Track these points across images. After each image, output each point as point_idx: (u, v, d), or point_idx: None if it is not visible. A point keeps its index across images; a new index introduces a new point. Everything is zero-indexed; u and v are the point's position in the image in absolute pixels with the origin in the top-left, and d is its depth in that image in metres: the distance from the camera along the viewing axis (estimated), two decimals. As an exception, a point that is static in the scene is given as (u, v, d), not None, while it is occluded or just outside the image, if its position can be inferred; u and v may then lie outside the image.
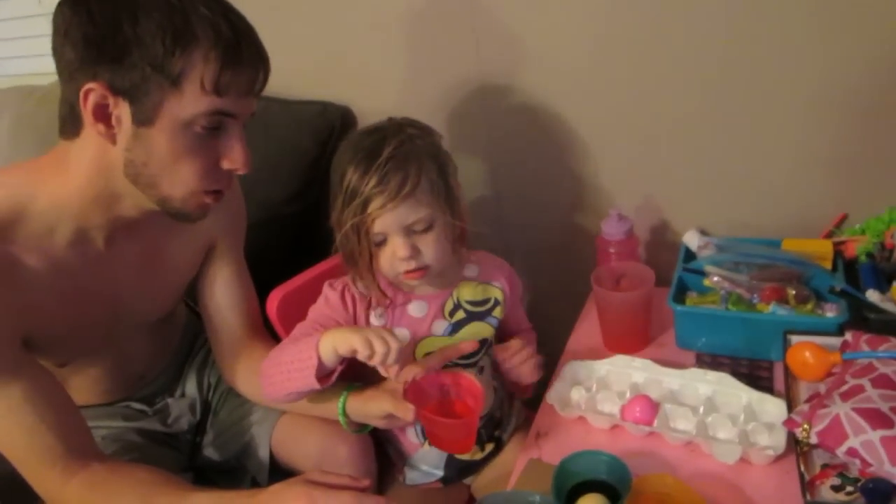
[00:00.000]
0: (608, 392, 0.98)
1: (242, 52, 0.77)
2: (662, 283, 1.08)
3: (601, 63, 1.17)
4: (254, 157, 1.29)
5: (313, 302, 1.02)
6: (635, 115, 1.18)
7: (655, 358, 1.02)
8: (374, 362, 0.82)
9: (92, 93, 0.75)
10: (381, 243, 0.90)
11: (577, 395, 0.99)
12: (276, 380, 0.90)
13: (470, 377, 0.89)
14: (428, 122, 1.35)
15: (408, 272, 0.91)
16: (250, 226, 1.21)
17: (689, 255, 1.17)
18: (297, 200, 1.44)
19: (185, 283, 1.05)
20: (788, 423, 0.82)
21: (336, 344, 0.83)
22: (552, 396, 0.98)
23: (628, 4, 1.11)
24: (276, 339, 1.09)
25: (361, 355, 0.82)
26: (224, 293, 1.06)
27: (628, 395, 0.96)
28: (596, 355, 1.06)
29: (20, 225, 0.82)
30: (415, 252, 0.89)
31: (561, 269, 1.34)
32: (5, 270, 0.81)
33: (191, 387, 1.18)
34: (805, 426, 0.79)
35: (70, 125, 0.80)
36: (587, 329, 1.17)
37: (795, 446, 0.81)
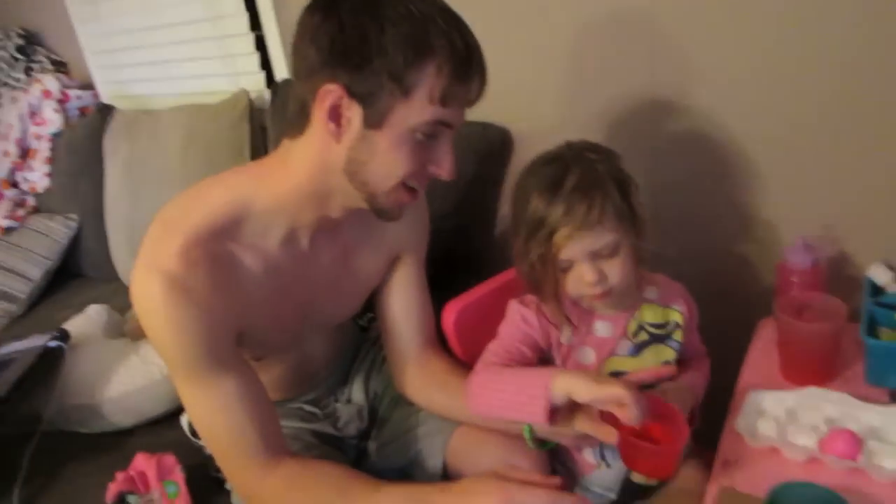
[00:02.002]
0: (800, 424, 0.95)
1: (472, 66, 0.81)
2: None
3: (779, 85, 1.15)
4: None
5: (489, 316, 1.04)
6: (813, 137, 1.16)
7: (844, 393, 0.98)
8: (626, 419, 0.82)
9: (330, 94, 0.79)
10: (568, 268, 0.92)
11: (765, 424, 0.96)
12: (490, 403, 0.91)
13: (671, 404, 0.88)
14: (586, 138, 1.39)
15: (593, 295, 0.92)
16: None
17: (874, 290, 1.12)
18: (452, 217, 1.48)
19: (370, 290, 1.10)
20: None
21: (572, 389, 0.84)
22: (741, 425, 0.96)
23: (807, 24, 1.10)
24: (448, 352, 1.13)
25: (607, 407, 0.83)
26: (404, 304, 1.09)
27: (823, 428, 0.93)
28: (773, 386, 1.02)
29: (243, 224, 0.88)
30: (602, 276, 0.90)
31: (727, 296, 1.31)
32: (229, 268, 0.87)
33: (357, 393, 1.22)
34: None
35: (297, 122, 0.85)
36: (761, 359, 1.13)
37: None
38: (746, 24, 1.15)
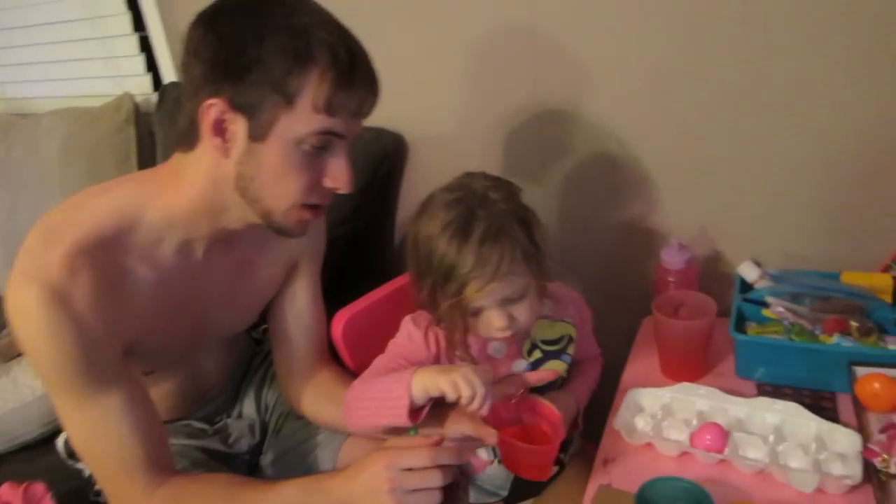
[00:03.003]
0: (674, 419, 0.99)
1: (356, 74, 0.80)
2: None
3: (660, 92, 1.20)
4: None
5: (378, 324, 1.03)
6: (693, 143, 1.21)
7: (715, 387, 1.03)
8: (462, 405, 0.83)
9: (213, 108, 0.78)
10: (477, 313, 0.91)
11: (642, 421, 1.00)
12: (361, 414, 0.90)
13: (549, 404, 0.90)
14: (481, 151, 1.40)
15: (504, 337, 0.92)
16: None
17: (744, 287, 1.18)
18: (346, 224, 1.46)
19: (268, 299, 1.07)
20: (867, 452, 0.83)
21: (426, 385, 0.84)
22: (618, 423, 0.99)
23: (688, 36, 1.15)
24: (339, 362, 1.11)
25: (449, 398, 0.82)
26: (297, 314, 1.07)
27: (695, 422, 0.97)
28: (653, 383, 1.07)
29: (132, 235, 0.85)
30: (511, 321, 0.90)
31: (614, 296, 1.35)
32: (116, 281, 0.83)
33: (249, 407, 1.19)
34: (884, 456, 0.80)
35: (188, 137, 0.83)
36: (642, 357, 1.17)
37: (874, 476, 0.82)
38: (627, 34, 1.19)
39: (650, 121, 1.23)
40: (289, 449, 1.13)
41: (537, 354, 1.00)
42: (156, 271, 0.87)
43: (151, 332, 0.89)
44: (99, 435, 0.84)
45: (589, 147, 1.29)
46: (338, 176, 0.85)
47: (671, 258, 1.16)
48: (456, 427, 0.90)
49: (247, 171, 0.82)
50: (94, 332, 0.80)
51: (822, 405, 1.00)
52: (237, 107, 0.78)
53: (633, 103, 1.23)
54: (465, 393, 0.80)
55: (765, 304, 1.11)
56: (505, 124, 1.36)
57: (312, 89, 0.78)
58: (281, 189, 0.83)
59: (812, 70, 1.09)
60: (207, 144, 0.81)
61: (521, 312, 0.90)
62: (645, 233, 1.31)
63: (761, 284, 1.15)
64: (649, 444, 0.96)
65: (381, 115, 1.45)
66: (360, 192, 1.45)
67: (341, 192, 0.87)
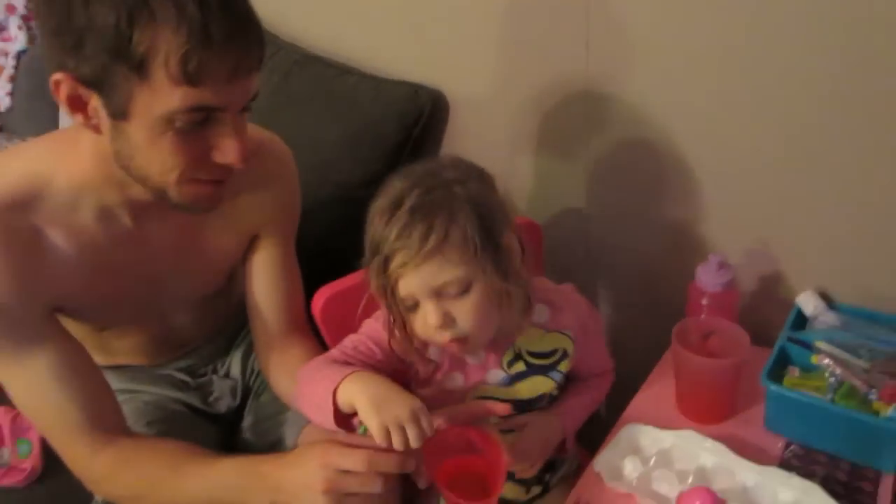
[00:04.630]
0: (669, 470, 0.84)
1: (211, 30, 0.67)
2: (762, 343, 0.93)
3: (722, 83, 1.00)
4: (336, 133, 1.19)
5: (362, 305, 0.94)
6: (757, 144, 1.00)
7: (736, 436, 0.88)
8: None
9: (62, 84, 0.70)
10: (413, 307, 0.79)
11: (630, 465, 0.86)
12: (303, 403, 0.83)
13: (500, 446, 0.76)
14: (524, 120, 1.25)
15: (444, 342, 0.79)
16: (322, 204, 1.14)
17: (801, 321, 0.99)
18: (374, 184, 1.34)
19: (228, 266, 1.01)
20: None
21: (353, 401, 0.74)
22: (601, 463, 0.86)
23: (768, 27, 0.93)
24: (318, 337, 1.04)
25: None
26: (264, 284, 1.00)
27: (691, 479, 0.82)
28: (664, 419, 0.92)
29: (43, 199, 0.81)
30: (447, 320, 0.76)
31: (649, 304, 1.19)
32: (29, 240, 0.80)
33: (235, 368, 1.16)
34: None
35: None
36: (661, 386, 1.01)
37: None
38: (699, 12, 0.98)
39: (711, 113, 1.02)
40: (265, 417, 1.10)
41: (520, 367, 0.87)
42: (75, 235, 0.82)
43: (86, 294, 0.86)
44: (34, 396, 0.83)
45: (637, 133, 1.11)
46: (227, 150, 0.74)
47: (708, 277, 0.98)
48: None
49: (122, 150, 0.74)
50: (10, 293, 0.78)
51: (858, 486, 0.82)
52: (84, 82, 0.69)
53: (695, 91, 1.02)
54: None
55: (816, 350, 0.91)
56: (550, 97, 1.19)
57: (161, 55, 0.66)
58: (162, 167, 0.74)
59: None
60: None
61: (462, 313, 0.76)
62: (691, 243, 1.12)
63: (821, 323, 0.95)
64: (631, 496, 0.83)
65: (419, 71, 1.35)
66: (393, 151, 1.34)
67: (234, 166, 0.76)
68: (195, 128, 0.72)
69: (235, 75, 0.70)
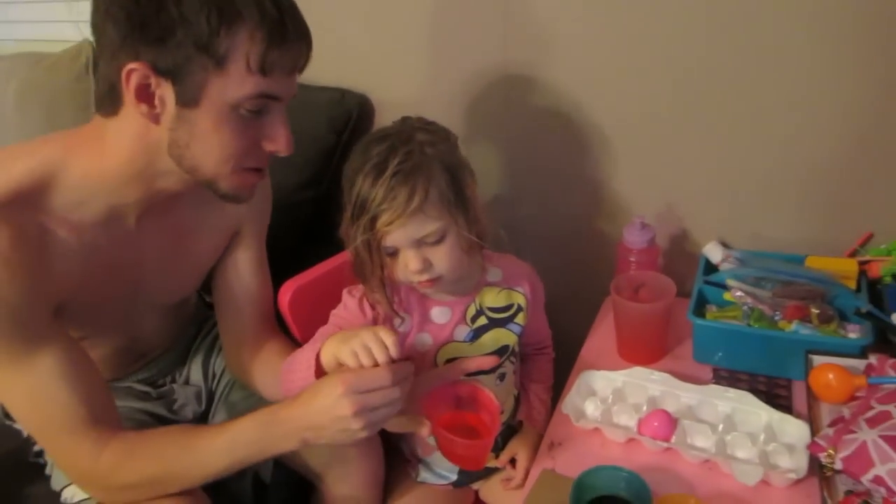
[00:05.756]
0: (624, 404, 0.97)
1: (287, 29, 0.76)
2: (679, 294, 1.06)
3: (629, 64, 1.15)
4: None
5: (327, 296, 0.99)
6: (662, 118, 1.16)
7: (672, 370, 1.01)
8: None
9: (135, 73, 0.73)
10: (394, 254, 0.88)
11: (592, 405, 0.98)
12: (290, 386, 0.87)
13: (489, 394, 0.87)
14: (446, 115, 1.34)
15: (420, 282, 0.89)
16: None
17: (709, 268, 1.15)
18: (309, 188, 1.41)
19: (209, 267, 1.03)
20: (813, 447, 0.81)
21: (335, 352, 0.80)
22: (567, 406, 0.97)
23: (660, 8, 1.09)
24: (286, 333, 1.08)
25: (352, 367, 0.79)
26: (241, 281, 1.03)
27: (645, 408, 0.95)
28: (610, 364, 1.05)
29: (51, 195, 0.81)
30: (426, 264, 0.87)
31: (575, 273, 1.32)
32: (37, 238, 0.80)
33: (196, 374, 1.16)
34: (830, 451, 0.78)
35: (109, 103, 0.79)
36: (601, 337, 1.15)
37: (819, 471, 0.80)
38: (599, 1, 1.13)
39: (618, 92, 1.18)
40: (238, 414, 1.10)
41: (482, 321, 0.97)
42: (78, 235, 0.83)
43: (82, 295, 0.86)
44: (38, 396, 0.81)
45: (555, 115, 1.24)
46: (277, 138, 0.82)
47: (633, 237, 1.13)
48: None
49: (180, 138, 0.78)
50: (18, 291, 0.77)
51: (776, 393, 0.98)
52: (161, 72, 0.73)
53: (602, 73, 1.18)
54: (366, 362, 0.77)
55: (727, 288, 1.08)
56: (472, 88, 1.30)
57: (244, 49, 0.73)
58: (219, 154, 0.79)
59: (786, 48, 1.04)
60: (133, 111, 0.76)
61: (439, 258, 0.87)
62: (610, 209, 1.27)
63: (726, 266, 1.12)
64: (597, 430, 0.94)
65: (346, 76, 1.41)
66: (324, 155, 1.40)
67: (281, 154, 0.83)
68: (253, 116, 0.78)
69: (295, 68, 0.79)
